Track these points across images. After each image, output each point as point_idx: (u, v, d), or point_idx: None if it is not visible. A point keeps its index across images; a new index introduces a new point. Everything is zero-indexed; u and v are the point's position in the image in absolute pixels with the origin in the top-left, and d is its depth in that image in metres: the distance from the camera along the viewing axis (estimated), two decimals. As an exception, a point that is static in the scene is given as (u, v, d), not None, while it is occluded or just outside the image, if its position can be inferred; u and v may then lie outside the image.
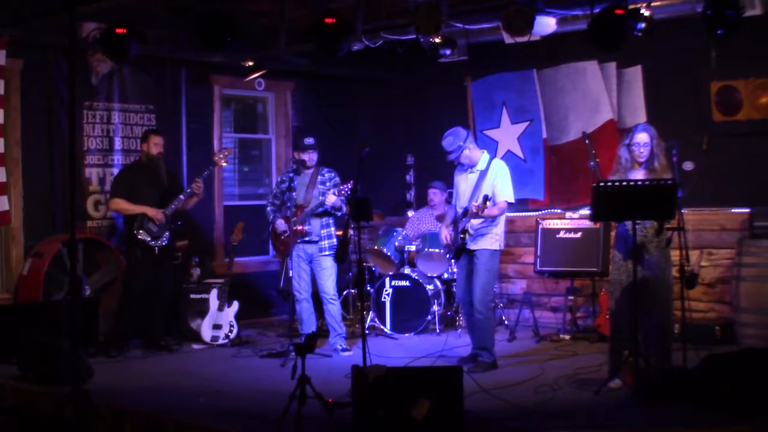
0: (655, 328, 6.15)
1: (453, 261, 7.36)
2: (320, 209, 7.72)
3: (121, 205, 7.93)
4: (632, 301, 6.03)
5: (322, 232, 7.79)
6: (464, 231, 6.93)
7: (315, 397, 5.28)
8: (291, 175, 7.76)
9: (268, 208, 8.00)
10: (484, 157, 7.08)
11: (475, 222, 6.93)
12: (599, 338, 7.95)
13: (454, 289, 8.92)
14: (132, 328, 7.95)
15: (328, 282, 7.82)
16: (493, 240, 7.00)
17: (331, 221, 7.87)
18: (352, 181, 7.34)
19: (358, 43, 8.08)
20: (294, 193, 7.75)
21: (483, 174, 7.00)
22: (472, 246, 6.98)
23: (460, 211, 7.07)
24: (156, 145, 8.01)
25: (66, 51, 7.75)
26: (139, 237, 7.81)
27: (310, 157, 7.83)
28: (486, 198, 6.63)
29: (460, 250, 7.03)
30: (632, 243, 6.01)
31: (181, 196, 7.94)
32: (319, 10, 7.13)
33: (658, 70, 8.57)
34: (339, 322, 7.90)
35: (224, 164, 8.30)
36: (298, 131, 10.18)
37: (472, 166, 7.07)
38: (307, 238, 7.78)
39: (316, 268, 7.84)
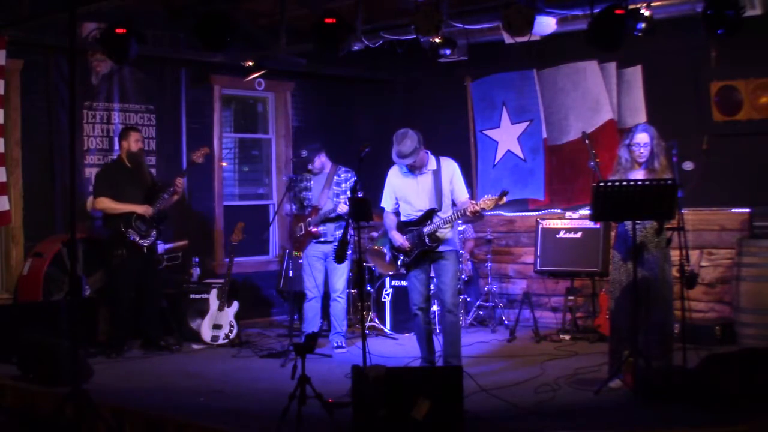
0: (655, 328, 6.15)
1: (404, 268, 6.78)
2: (333, 215, 7.74)
3: (108, 204, 7.80)
4: (632, 301, 6.03)
5: (336, 233, 7.82)
6: (433, 234, 6.53)
7: (315, 397, 5.28)
8: (308, 174, 7.81)
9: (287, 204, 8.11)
10: (430, 156, 6.71)
11: (444, 225, 6.55)
12: (599, 338, 7.95)
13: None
14: (128, 328, 7.91)
15: (340, 280, 7.88)
16: (455, 240, 6.82)
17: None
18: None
19: (358, 43, 8.08)
20: (310, 193, 7.81)
21: (437, 174, 6.67)
22: (442, 248, 6.62)
23: (415, 214, 6.66)
24: (137, 141, 7.92)
25: (66, 51, 7.76)
26: (129, 236, 7.74)
27: (314, 165, 7.85)
28: (504, 192, 6.37)
29: (423, 254, 6.61)
30: (632, 243, 6.01)
31: (165, 195, 7.88)
32: (319, 10, 7.13)
33: (658, 70, 8.57)
34: (341, 321, 7.94)
35: (200, 161, 8.14)
36: (299, 133, 10.21)
37: (422, 167, 6.68)
38: (322, 239, 7.82)
39: (330, 265, 7.88)
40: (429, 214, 6.61)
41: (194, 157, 8.11)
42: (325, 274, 7.96)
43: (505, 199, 6.37)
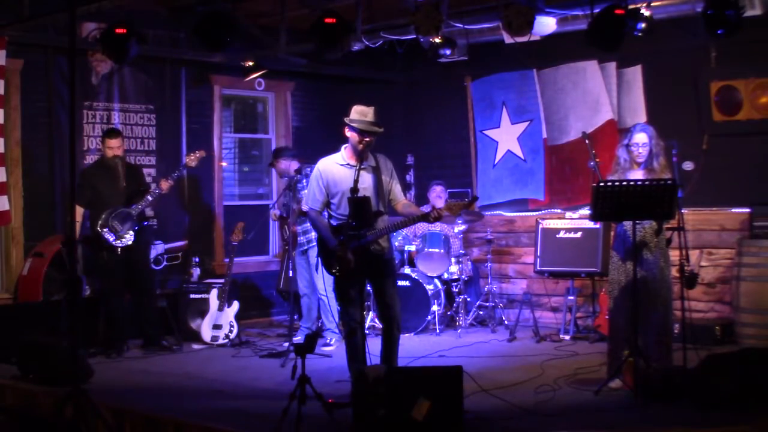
0: (655, 328, 6.15)
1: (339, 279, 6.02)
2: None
3: (79, 212, 7.50)
4: (632, 302, 6.02)
5: (313, 234, 7.80)
6: (376, 241, 5.88)
7: (315, 397, 5.28)
8: (300, 176, 7.87)
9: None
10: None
11: (391, 231, 5.99)
12: (599, 338, 7.95)
13: (456, 289, 8.93)
14: (124, 329, 7.88)
15: (320, 280, 7.85)
16: (394, 247, 6.32)
17: None
18: None
19: (358, 43, 8.08)
20: (300, 194, 7.85)
21: (377, 170, 5.98)
22: (386, 257, 6.02)
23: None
24: (110, 149, 7.75)
25: (66, 51, 7.75)
26: (103, 235, 7.59)
27: (280, 167, 8.20)
28: (475, 198, 6.02)
29: (363, 264, 5.79)
30: (631, 243, 6.00)
31: (149, 197, 7.78)
32: (319, 10, 7.13)
33: (658, 70, 8.57)
34: (329, 318, 8.02)
35: (194, 165, 8.10)
36: (299, 133, 10.22)
37: (366, 159, 5.97)
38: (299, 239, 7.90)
39: (311, 266, 7.99)
40: (373, 217, 5.81)
41: (188, 160, 8.05)
42: (311, 273, 8.01)
43: (475, 205, 6.05)
